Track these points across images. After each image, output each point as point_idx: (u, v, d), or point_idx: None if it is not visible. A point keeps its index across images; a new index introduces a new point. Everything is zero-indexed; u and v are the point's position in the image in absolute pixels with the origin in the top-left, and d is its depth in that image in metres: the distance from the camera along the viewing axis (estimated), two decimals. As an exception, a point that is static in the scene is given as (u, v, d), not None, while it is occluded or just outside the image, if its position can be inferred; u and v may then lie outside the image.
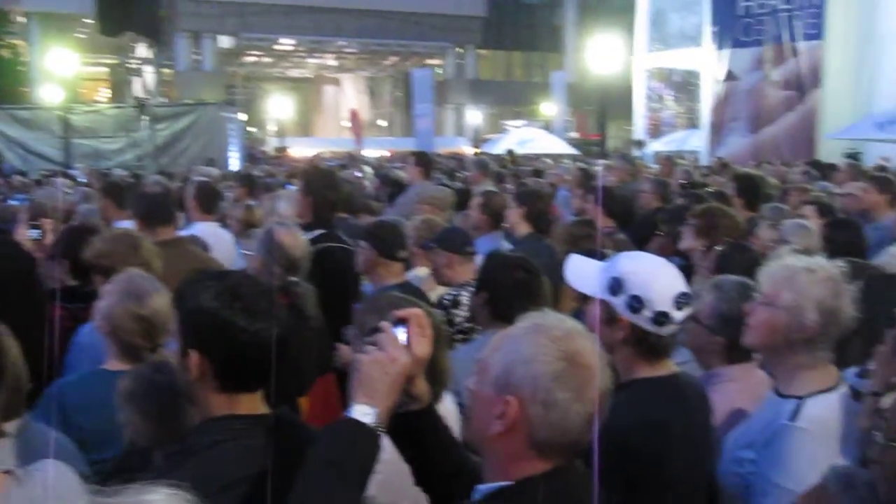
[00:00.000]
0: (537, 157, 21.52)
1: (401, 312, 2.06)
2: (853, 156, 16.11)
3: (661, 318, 2.56)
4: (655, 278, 2.60)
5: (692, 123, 28.20)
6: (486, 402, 1.84)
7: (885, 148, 17.28)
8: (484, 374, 1.87)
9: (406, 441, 2.14)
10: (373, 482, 2.60)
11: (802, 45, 21.21)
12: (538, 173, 13.27)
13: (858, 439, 2.91)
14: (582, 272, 2.75)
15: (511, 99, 48.04)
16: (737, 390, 3.15)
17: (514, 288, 3.70)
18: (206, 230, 6.35)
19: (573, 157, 22.70)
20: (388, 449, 2.13)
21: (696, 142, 25.89)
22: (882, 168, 12.60)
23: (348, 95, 52.50)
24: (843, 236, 5.38)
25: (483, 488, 1.85)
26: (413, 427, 2.11)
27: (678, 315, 2.59)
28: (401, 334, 2.02)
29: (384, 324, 2.02)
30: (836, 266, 2.85)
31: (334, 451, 1.87)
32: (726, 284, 3.32)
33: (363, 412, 1.90)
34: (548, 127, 36.20)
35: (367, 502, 2.64)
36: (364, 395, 1.92)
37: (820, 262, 2.87)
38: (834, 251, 4.43)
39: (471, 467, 2.06)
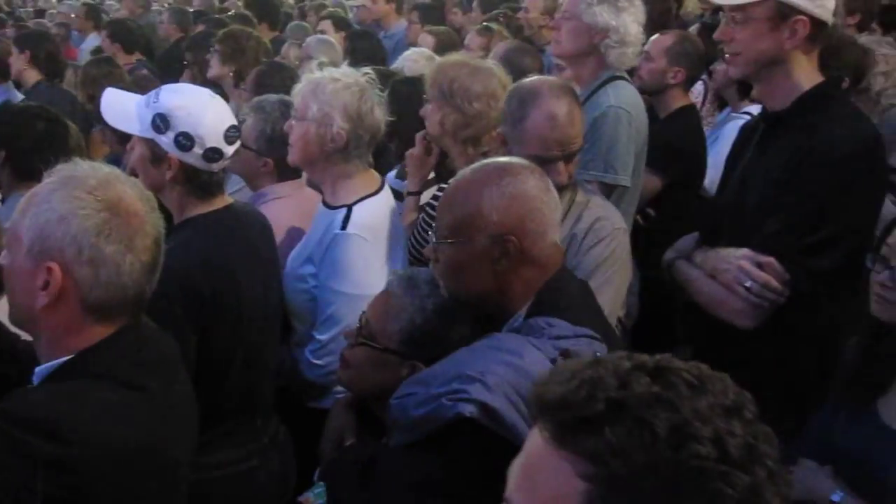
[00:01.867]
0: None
1: None
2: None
3: (213, 154, 2.45)
4: (204, 113, 2.46)
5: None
6: (24, 276, 1.62)
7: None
8: (15, 244, 1.64)
9: None
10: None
11: None
12: (41, 14, 12.02)
13: (407, 238, 3.12)
14: (121, 110, 2.54)
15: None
16: (286, 206, 3.17)
17: (36, 141, 3.33)
18: None
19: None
20: None
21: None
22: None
23: None
24: (363, 46, 5.59)
25: (41, 369, 1.66)
26: None
27: (229, 149, 2.50)
28: None
29: None
30: (362, 73, 2.92)
31: None
32: (267, 104, 3.27)
33: None
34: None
35: None
36: None
37: (345, 70, 2.92)
38: (356, 61, 4.57)
39: (25, 351, 1.84)
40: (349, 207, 2.83)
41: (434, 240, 1.99)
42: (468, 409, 1.67)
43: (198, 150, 2.44)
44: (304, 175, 3.33)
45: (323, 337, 2.82)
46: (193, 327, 2.36)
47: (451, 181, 2.05)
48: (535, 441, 0.93)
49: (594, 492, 0.87)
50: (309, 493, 2.13)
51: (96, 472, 1.52)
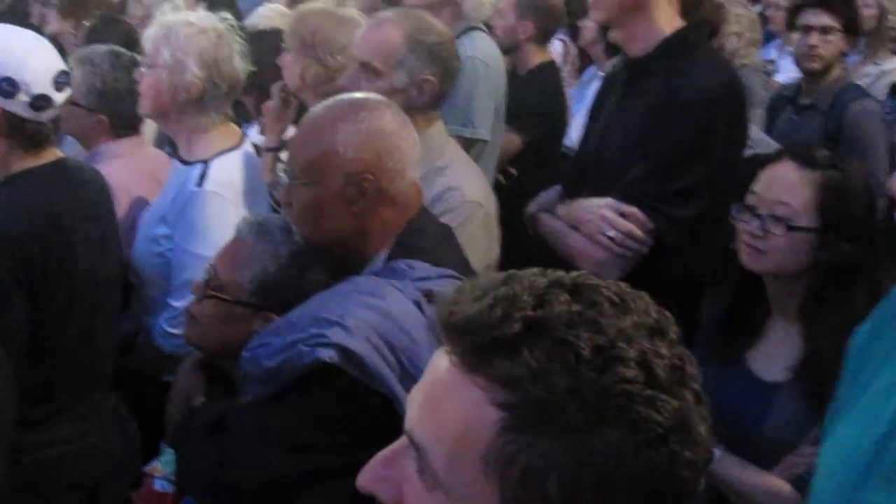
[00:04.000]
0: None
1: None
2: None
3: (41, 101, 2.28)
4: (30, 56, 2.29)
5: None
6: None
7: None
8: None
9: None
10: None
11: None
12: None
13: (269, 194, 2.99)
14: None
15: None
16: (125, 166, 2.99)
17: None
18: None
19: None
20: None
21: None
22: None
23: None
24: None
25: None
26: None
27: (59, 97, 2.33)
28: None
29: None
30: (220, 18, 2.77)
31: None
32: (95, 56, 3.06)
33: None
34: None
35: None
36: None
37: (201, 15, 2.78)
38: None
39: None
40: (206, 163, 2.67)
41: (287, 182, 1.89)
42: (327, 354, 1.59)
43: (23, 98, 2.26)
44: (151, 131, 3.17)
45: (179, 304, 2.63)
46: (22, 293, 2.20)
47: (303, 118, 1.95)
48: (441, 366, 0.83)
49: (510, 421, 0.78)
50: (156, 462, 2.01)
51: None
